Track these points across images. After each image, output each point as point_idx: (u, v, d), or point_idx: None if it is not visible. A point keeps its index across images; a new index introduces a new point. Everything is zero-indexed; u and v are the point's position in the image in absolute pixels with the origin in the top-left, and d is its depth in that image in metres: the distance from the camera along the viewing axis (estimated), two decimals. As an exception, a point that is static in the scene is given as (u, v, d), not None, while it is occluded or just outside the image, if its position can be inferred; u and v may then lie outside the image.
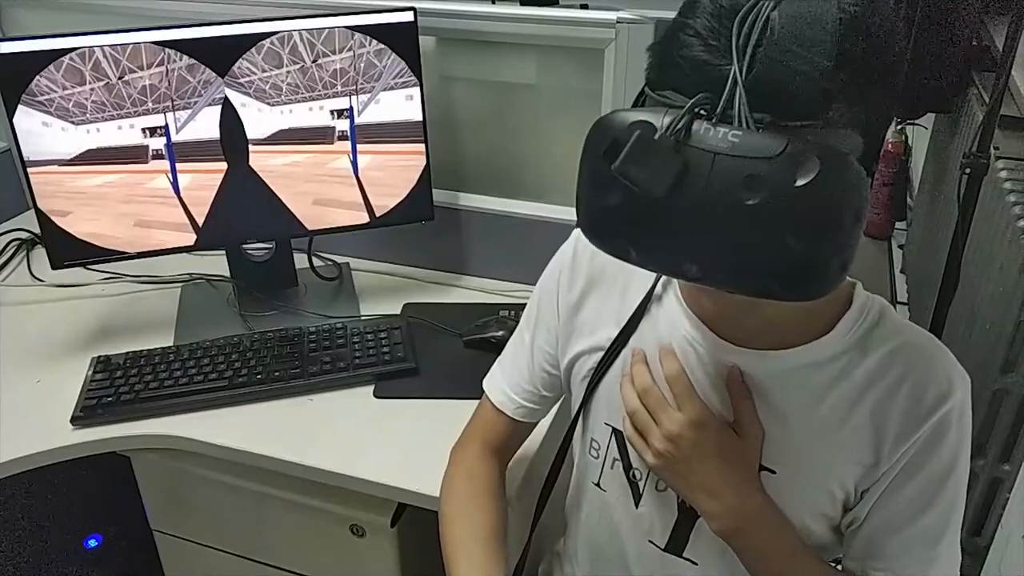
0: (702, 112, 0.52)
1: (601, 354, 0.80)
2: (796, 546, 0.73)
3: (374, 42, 1.16)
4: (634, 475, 0.80)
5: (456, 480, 0.91)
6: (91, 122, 1.12)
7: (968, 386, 0.69)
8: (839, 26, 0.52)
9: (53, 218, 1.16)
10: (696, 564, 0.79)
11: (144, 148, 1.15)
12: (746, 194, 0.51)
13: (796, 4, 0.53)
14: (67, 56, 1.07)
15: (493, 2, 1.74)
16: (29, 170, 1.12)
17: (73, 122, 1.11)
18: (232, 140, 1.18)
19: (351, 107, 1.19)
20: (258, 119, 1.17)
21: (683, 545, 0.79)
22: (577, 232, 0.82)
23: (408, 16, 1.16)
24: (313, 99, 1.18)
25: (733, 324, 0.71)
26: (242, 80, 1.15)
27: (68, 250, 1.19)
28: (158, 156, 1.16)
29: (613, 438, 0.81)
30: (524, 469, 1.00)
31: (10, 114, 1.08)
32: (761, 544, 0.72)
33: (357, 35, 1.15)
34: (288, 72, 1.16)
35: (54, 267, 1.20)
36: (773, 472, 0.72)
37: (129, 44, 1.09)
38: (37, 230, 1.20)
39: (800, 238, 0.51)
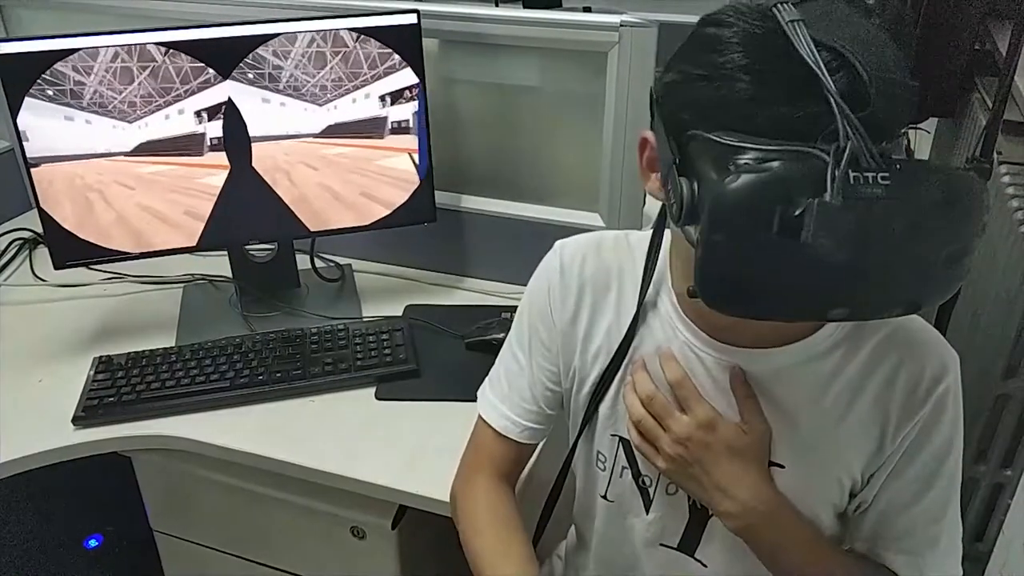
0: (826, 158, 0.52)
1: (602, 366, 0.79)
2: (810, 537, 0.74)
3: (377, 44, 1.16)
4: (643, 482, 0.80)
5: (479, 519, 0.85)
6: (93, 119, 1.12)
7: (958, 363, 0.73)
8: (890, 39, 0.55)
9: (55, 218, 1.16)
10: (706, 566, 0.80)
11: (147, 145, 1.15)
12: (908, 233, 0.52)
13: (834, 26, 0.54)
14: (72, 56, 1.08)
15: (496, 4, 1.74)
16: (32, 169, 1.12)
17: (75, 121, 1.11)
18: (234, 141, 1.18)
19: (353, 107, 1.19)
20: (261, 119, 1.17)
21: (695, 546, 0.80)
22: (560, 245, 0.83)
23: (411, 18, 1.16)
24: (315, 99, 1.18)
25: (730, 326, 0.71)
26: (244, 81, 1.15)
27: (70, 250, 1.19)
28: (161, 154, 1.16)
29: (621, 447, 0.80)
30: (523, 479, 0.99)
31: (13, 113, 1.09)
32: (777, 538, 0.73)
33: (359, 36, 1.15)
34: (291, 73, 1.16)
35: (56, 267, 1.20)
36: (782, 467, 0.73)
37: (132, 44, 1.09)
38: (40, 230, 1.20)
39: (950, 262, 0.54)
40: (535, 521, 0.95)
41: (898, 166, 0.52)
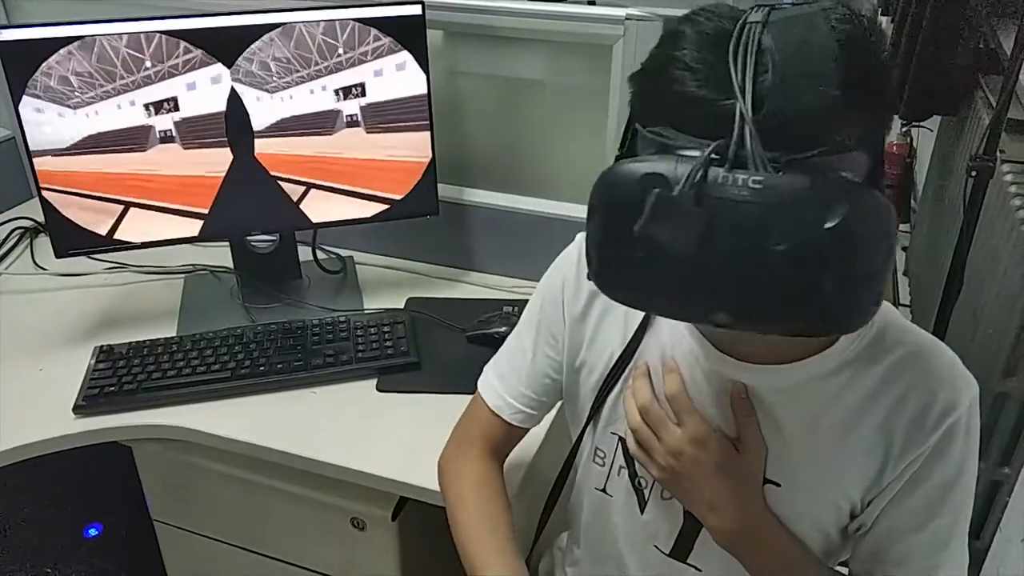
0: (713, 156, 0.50)
1: (607, 365, 0.79)
2: (798, 556, 0.73)
3: (381, 35, 1.16)
4: (639, 483, 0.80)
5: (465, 491, 0.87)
6: (94, 108, 1.11)
7: (976, 392, 0.69)
8: (839, 50, 0.51)
9: (57, 206, 1.16)
10: (700, 571, 0.80)
11: (148, 136, 1.15)
12: (776, 240, 0.49)
13: (786, 28, 0.52)
14: (73, 44, 1.07)
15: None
16: (34, 158, 1.12)
17: (74, 108, 1.11)
18: (238, 131, 1.17)
19: (356, 100, 1.19)
20: (265, 110, 1.17)
21: (687, 551, 0.80)
22: (581, 237, 0.81)
23: (416, 9, 1.16)
24: (319, 89, 1.17)
25: (737, 340, 0.70)
26: (248, 71, 1.14)
27: (72, 239, 1.18)
28: (163, 141, 1.16)
29: (619, 446, 0.80)
30: (524, 470, 1.00)
31: (16, 101, 1.08)
32: (764, 555, 0.73)
33: (364, 27, 1.15)
34: (294, 63, 1.15)
35: (58, 256, 1.20)
36: (778, 485, 0.72)
37: (134, 33, 1.09)
38: (41, 218, 1.20)
39: (835, 278, 0.50)
40: (538, 513, 0.95)
41: (781, 173, 0.49)
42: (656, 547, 0.81)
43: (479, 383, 0.90)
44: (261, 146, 1.19)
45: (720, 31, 0.53)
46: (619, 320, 0.79)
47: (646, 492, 0.80)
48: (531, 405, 0.87)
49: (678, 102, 0.53)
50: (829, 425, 0.69)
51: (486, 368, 0.91)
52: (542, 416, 0.90)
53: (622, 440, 0.80)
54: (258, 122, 1.18)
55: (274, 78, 1.16)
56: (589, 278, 0.58)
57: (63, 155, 1.13)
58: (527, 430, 0.91)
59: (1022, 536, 1.41)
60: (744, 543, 0.72)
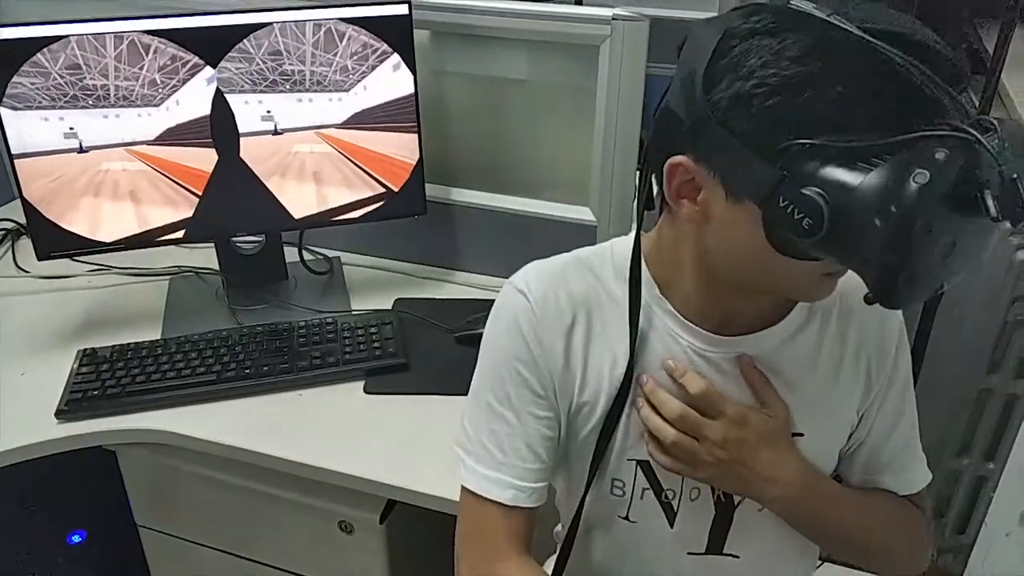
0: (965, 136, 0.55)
1: (609, 396, 0.76)
2: (841, 493, 0.80)
3: (367, 34, 1.15)
4: (667, 496, 0.79)
5: None
6: (79, 109, 1.10)
7: None
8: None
9: (39, 208, 1.14)
10: (738, 557, 0.81)
11: (134, 137, 1.14)
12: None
13: (860, 10, 0.58)
14: (56, 43, 1.06)
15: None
16: (15, 159, 1.10)
17: (56, 108, 1.10)
18: (223, 131, 1.16)
19: (343, 99, 1.18)
20: (249, 110, 1.16)
21: (722, 542, 0.80)
22: (520, 287, 0.77)
23: (402, 9, 1.15)
24: (305, 90, 1.17)
25: (732, 317, 0.74)
26: (234, 70, 1.13)
27: (55, 241, 1.17)
28: (147, 145, 1.15)
29: (639, 469, 0.78)
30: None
31: (-4, 102, 1.07)
32: (820, 507, 0.77)
33: (350, 27, 1.14)
34: (280, 63, 1.15)
35: (40, 258, 1.18)
36: (802, 435, 0.77)
37: (117, 32, 1.08)
38: (23, 220, 1.18)
39: None
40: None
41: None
42: (690, 553, 0.81)
43: (471, 486, 0.77)
44: (246, 146, 1.18)
45: (818, 31, 0.59)
46: (605, 349, 0.76)
47: (675, 504, 0.79)
48: (543, 476, 0.78)
49: (836, 109, 0.57)
50: (824, 366, 0.77)
51: (467, 473, 0.78)
52: (552, 481, 0.82)
53: (640, 464, 0.78)
54: (243, 123, 1.17)
55: (260, 78, 1.15)
56: (893, 306, 0.60)
57: (44, 156, 1.12)
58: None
59: (1007, 530, 1.43)
60: (804, 502, 0.76)
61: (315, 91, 1.17)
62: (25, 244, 1.44)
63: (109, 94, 1.11)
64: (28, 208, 1.14)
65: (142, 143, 1.14)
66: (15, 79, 1.06)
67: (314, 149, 1.21)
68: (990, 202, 0.53)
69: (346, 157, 1.22)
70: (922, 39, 0.57)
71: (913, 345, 1.14)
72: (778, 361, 0.75)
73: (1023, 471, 1.39)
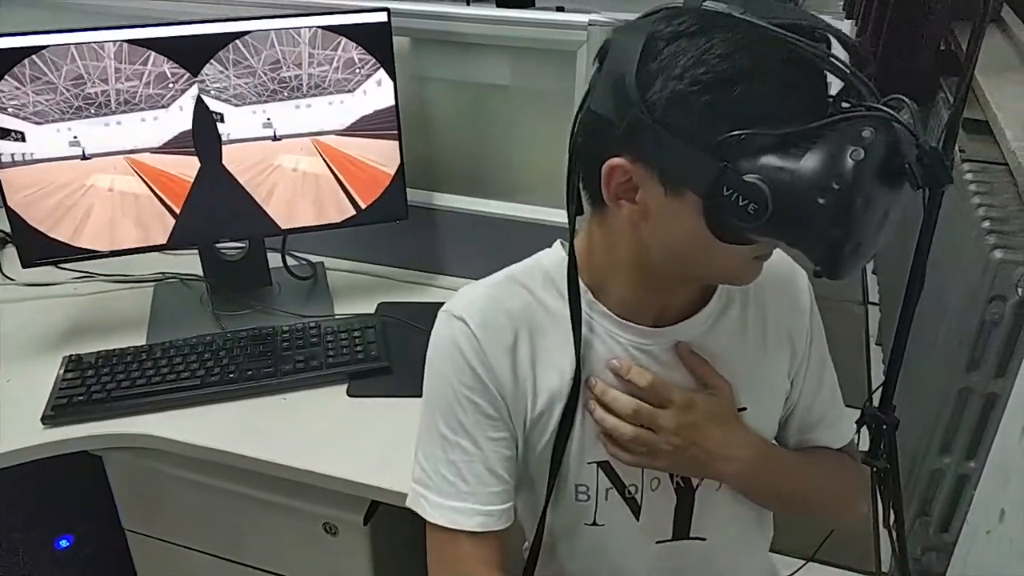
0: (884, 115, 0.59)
1: (560, 406, 0.76)
2: (789, 457, 0.86)
3: (347, 42, 1.16)
4: (630, 491, 0.80)
5: None
6: (62, 120, 1.11)
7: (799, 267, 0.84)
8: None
9: (24, 216, 1.15)
10: (704, 539, 0.83)
11: (117, 146, 1.15)
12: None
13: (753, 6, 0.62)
14: (36, 54, 1.07)
15: (468, 3, 1.75)
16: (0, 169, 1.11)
17: (43, 120, 1.10)
18: (205, 139, 1.17)
19: (324, 106, 1.19)
20: (231, 118, 1.17)
21: (687, 526, 0.82)
22: (457, 315, 0.77)
23: (382, 16, 1.17)
24: (285, 98, 1.18)
25: (664, 310, 0.77)
26: (214, 79, 1.15)
27: (39, 249, 1.18)
28: (130, 154, 1.16)
29: (600, 471, 0.79)
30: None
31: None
32: (774, 477, 0.81)
33: (330, 35, 1.15)
34: (260, 71, 1.16)
35: (24, 266, 1.19)
36: (745, 409, 0.80)
37: (99, 42, 1.09)
38: (7, 228, 1.19)
39: None
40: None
41: None
42: (658, 542, 0.82)
43: (442, 522, 0.76)
44: (228, 153, 1.19)
45: (728, 29, 0.62)
46: (551, 360, 0.76)
47: (639, 497, 0.80)
48: (508, 497, 0.78)
49: (767, 101, 0.60)
50: (752, 341, 0.81)
51: (432, 509, 0.76)
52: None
53: (601, 465, 0.79)
54: (225, 130, 1.18)
55: (241, 86, 1.16)
56: (825, 276, 0.62)
57: (30, 164, 1.12)
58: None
59: (988, 528, 1.44)
60: (759, 473, 0.79)
61: (297, 98, 1.18)
62: (10, 252, 1.44)
63: (90, 102, 1.11)
64: (12, 216, 1.15)
65: (127, 152, 1.15)
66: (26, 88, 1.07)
67: (297, 156, 1.22)
68: (916, 172, 0.58)
69: (327, 163, 1.23)
70: (825, 31, 0.61)
71: (893, 345, 1.16)
72: (710, 343, 0.78)
73: (1002, 469, 1.40)
